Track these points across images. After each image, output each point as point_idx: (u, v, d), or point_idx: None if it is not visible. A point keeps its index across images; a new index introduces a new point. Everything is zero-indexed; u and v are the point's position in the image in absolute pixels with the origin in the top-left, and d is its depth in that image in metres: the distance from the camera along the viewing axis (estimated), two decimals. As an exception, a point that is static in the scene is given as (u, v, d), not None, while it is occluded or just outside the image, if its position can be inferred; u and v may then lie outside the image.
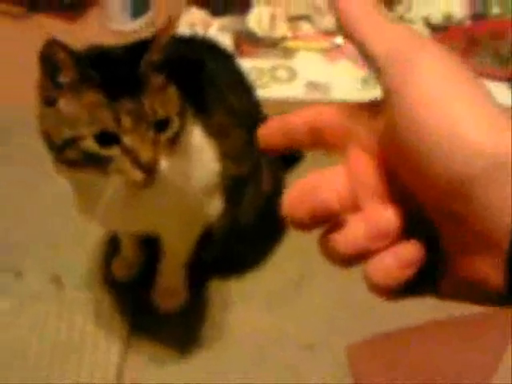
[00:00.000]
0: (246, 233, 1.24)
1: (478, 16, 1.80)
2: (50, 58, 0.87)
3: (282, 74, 1.72)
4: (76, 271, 1.31)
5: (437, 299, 0.41)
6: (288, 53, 1.76)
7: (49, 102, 0.90)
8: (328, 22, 1.82)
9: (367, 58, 0.39)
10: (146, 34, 1.76)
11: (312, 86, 1.68)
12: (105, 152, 0.88)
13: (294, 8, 1.85)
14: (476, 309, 1.21)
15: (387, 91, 0.37)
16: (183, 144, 0.95)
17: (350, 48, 1.76)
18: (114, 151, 0.88)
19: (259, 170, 1.22)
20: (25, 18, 1.88)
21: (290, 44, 1.78)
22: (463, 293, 0.39)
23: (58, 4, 1.87)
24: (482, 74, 1.66)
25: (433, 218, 0.37)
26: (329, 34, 1.80)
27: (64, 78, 0.88)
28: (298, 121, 0.43)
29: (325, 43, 1.78)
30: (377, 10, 0.40)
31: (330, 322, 1.25)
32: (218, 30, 1.83)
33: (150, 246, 1.26)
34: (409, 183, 0.37)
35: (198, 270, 1.27)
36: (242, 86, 1.24)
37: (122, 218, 1.03)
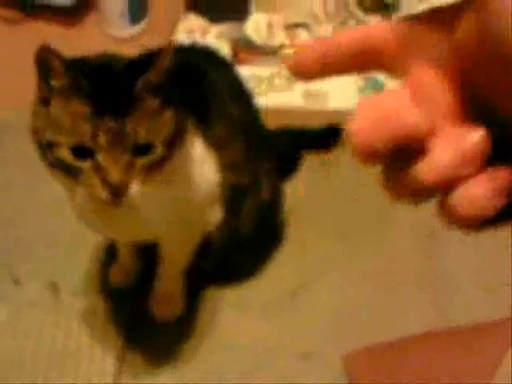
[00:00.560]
0: (244, 242, 1.24)
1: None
2: (44, 62, 0.87)
3: (279, 82, 1.72)
4: (73, 278, 1.31)
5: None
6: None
7: (44, 101, 0.91)
8: (325, 30, 1.82)
9: None
10: (143, 40, 1.79)
11: (310, 94, 1.68)
12: (77, 164, 0.88)
13: (291, 16, 1.85)
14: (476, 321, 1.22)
15: None
16: (169, 170, 0.93)
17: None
18: (85, 165, 0.87)
19: (258, 179, 1.23)
20: (23, 23, 1.88)
21: (288, 52, 1.78)
22: None
23: (56, 9, 1.86)
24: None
25: None
26: (326, 42, 1.80)
27: (55, 83, 0.88)
28: (343, 44, 0.38)
29: (322, 51, 1.78)
30: None
31: (327, 331, 1.25)
32: (216, 37, 1.83)
33: (148, 253, 1.26)
34: (498, 97, 0.33)
35: (195, 278, 1.27)
36: (241, 95, 1.24)
37: (104, 227, 1.03)
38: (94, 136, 0.86)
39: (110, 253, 1.32)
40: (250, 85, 1.65)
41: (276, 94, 1.69)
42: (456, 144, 0.34)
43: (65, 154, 0.87)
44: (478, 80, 0.34)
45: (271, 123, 1.38)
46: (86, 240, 1.33)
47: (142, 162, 0.89)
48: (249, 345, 1.23)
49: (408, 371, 1.19)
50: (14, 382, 1.16)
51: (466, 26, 0.34)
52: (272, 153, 1.32)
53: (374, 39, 0.37)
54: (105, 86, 0.88)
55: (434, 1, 1.53)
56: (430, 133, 0.35)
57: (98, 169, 0.87)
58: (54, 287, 1.29)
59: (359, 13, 1.85)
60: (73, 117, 0.87)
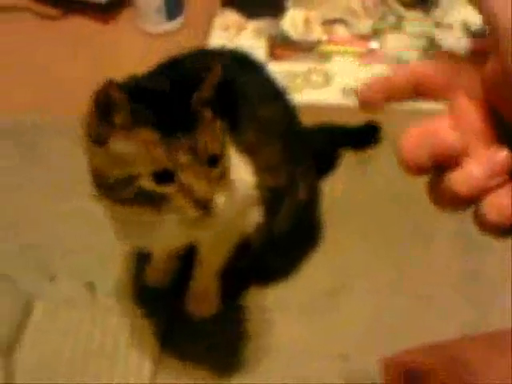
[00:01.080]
0: (280, 242, 1.23)
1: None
2: (105, 98, 0.87)
3: (316, 78, 1.70)
4: (109, 278, 1.31)
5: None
6: (323, 57, 1.75)
7: (98, 140, 0.90)
8: (363, 25, 1.80)
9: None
10: (179, 36, 1.78)
11: (347, 90, 1.66)
12: (161, 190, 0.88)
13: (328, 11, 1.83)
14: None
15: (502, 36, 0.41)
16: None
17: (386, 52, 1.74)
18: (169, 189, 0.88)
19: (295, 179, 1.21)
20: (59, 20, 1.88)
21: (325, 48, 1.76)
22: None
23: (92, 5, 1.87)
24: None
25: None
26: (364, 37, 1.78)
27: (118, 119, 0.87)
28: (402, 78, 0.48)
29: (360, 47, 1.76)
30: None
31: (364, 333, 1.23)
32: (252, 33, 1.82)
33: (185, 253, 1.26)
34: None
35: (232, 278, 1.26)
36: (274, 96, 1.23)
37: (167, 243, 1.03)
38: (173, 158, 0.86)
39: (145, 253, 1.32)
40: (286, 81, 1.63)
41: (312, 90, 1.67)
42: (486, 160, 0.42)
43: (147, 182, 0.87)
44: (503, 107, 0.43)
45: (307, 120, 1.36)
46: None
47: (216, 172, 0.90)
48: (286, 345, 1.22)
49: (445, 376, 1.17)
50: (49, 380, 1.16)
51: (491, 64, 0.43)
52: (309, 151, 1.30)
53: (425, 74, 0.47)
54: (162, 109, 0.88)
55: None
56: (464, 151, 0.43)
57: (183, 189, 0.87)
58: (90, 286, 1.29)
59: (398, 7, 1.82)
60: (144, 146, 0.87)
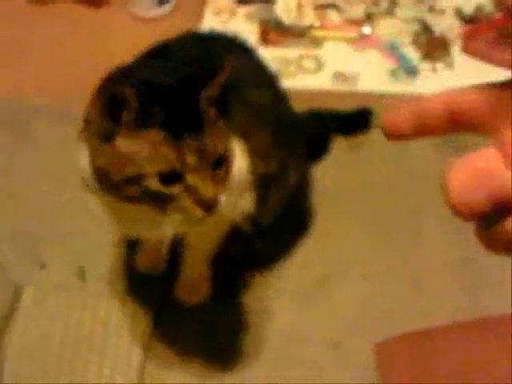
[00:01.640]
0: (272, 229, 1.22)
1: (510, 7, 1.76)
2: (113, 94, 0.85)
3: (309, 63, 1.69)
4: (100, 263, 1.30)
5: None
6: (315, 42, 1.73)
7: (104, 137, 0.88)
8: (356, 11, 1.79)
9: None
10: (170, 21, 1.77)
11: (339, 76, 1.65)
12: (167, 190, 0.87)
13: (321, -4, 1.82)
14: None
15: None
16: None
17: (378, 37, 1.73)
18: (175, 189, 0.87)
19: (286, 165, 1.20)
20: (50, 4, 1.87)
21: (318, 33, 1.75)
22: None
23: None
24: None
25: None
26: (356, 22, 1.77)
27: (126, 116, 0.86)
28: (436, 106, 0.40)
29: (353, 32, 1.75)
30: None
31: (356, 320, 1.23)
32: (244, 18, 1.80)
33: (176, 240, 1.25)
34: None
35: (223, 265, 1.25)
36: (264, 81, 1.21)
37: (160, 233, 1.02)
38: (181, 158, 0.85)
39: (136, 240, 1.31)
40: (279, 66, 1.62)
41: (304, 75, 1.66)
42: None
43: (153, 182, 0.86)
44: None
45: (299, 106, 1.35)
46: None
47: (221, 172, 0.90)
48: (278, 332, 1.22)
49: (438, 360, 1.17)
50: (39, 365, 1.16)
51: None
52: (300, 136, 1.29)
53: (465, 103, 0.39)
54: (170, 108, 0.87)
55: None
56: None
57: (190, 190, 0.87)
58: (80, 272, 1.29)
59: (391, -7, 1.81)
60: (152, 146, 0.86)
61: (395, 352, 1.19)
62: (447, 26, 1.74)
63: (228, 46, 1.21)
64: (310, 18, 1.77)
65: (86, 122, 0.90)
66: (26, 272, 1.29)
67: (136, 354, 1.17)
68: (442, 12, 1.77)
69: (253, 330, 1.22)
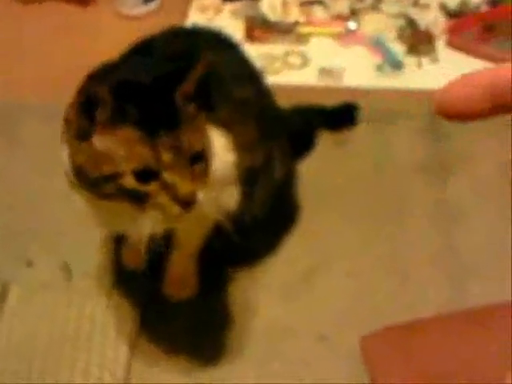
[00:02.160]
0: (257, 223, 1.22)
1: (494, 1, 1.77)
2: (88, 94, 0.86)
3: (294, 59, 1.69)
4: (85, 259, 1.30)
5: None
6: (301, 38, 1.74)
7: (81, 136, 0.88)
8: (341, 6, 1.79)
9: None
10: (156, 18, 1.76)
11: (325, 72, 1.65)
12: (144, 188, 0.87)
13: (306, -8, 1.82)
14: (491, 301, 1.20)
15: None
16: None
17: (364, 33, 1.74)
18: (152, 187, 0.87)
19: (272, 159, 1.21)
20: (37, 3, 1.87)
21: (303, 29, 1.75)
22: None
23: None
24: (499, 58, 1.63)
25: None
26: (342, 18, 1.77)
27: (101, 114, 0.86)
28: (490, 82, 0.33)
29: (338, 28, 1.75)
30: None
31: (343, 313, 1.23)
32: (230, 15, 1.80)
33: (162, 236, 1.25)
34: None
35: (210, 260, 1.25)
36: (248, 76, 1.21)
37: (144, 230, 1.02)
38: (157, 155, 0.85)
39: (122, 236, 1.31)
40: (264, 63, 1.63)
41: (290, 71, 1.67)
42: None
43: (129, 180, 0.86)
44: None
45: (285, 101, 1.35)
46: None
47: (199, 169, 0.90)
48: (265, 326, 1.22)
49: (425, 352, 1.18)
50: (25, 364, 1.16)
51: None
52: (286, 132, 1.29)
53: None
54: (145, 106, 0.87)
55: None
56: None
57: (165, 187, 0.87)
58: (66, 268, 1.28)
59: (375, -12, 1.81)
60: (127, 144, 0.86)
61: (382, 344, 1.20)
62: (432, 20, 1.74)
63: (212, 41, 1.21)
64: (295, 14, 1.77)
65: (66, 121, 0.91)
66: (13, 270, 1.29)
67: (123, 350, 1.17)
68: (427, 7, 1.78)
69: (239, 324, 1.22)
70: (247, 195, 1.15)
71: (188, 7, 1.81)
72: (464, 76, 0.34)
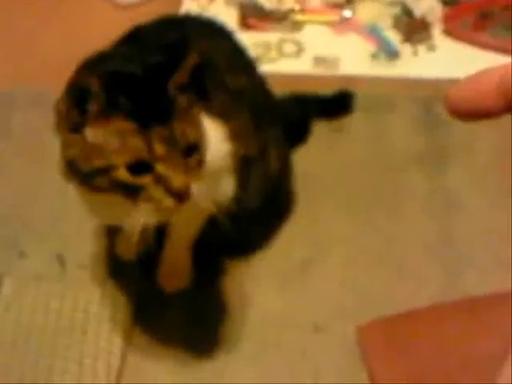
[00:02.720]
0: (252, 213, 1.22)
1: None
2: (79, 85, 0.85)
3: (289, 48, 1.68)
4: (80, 250, 1.29)
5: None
6: (295, 26, 1.72)
7: (73, 128, 0.87)
8: (336, -6, 1.78)
9: None
10: (149, 7, 1.75)
11: (320, 60, 1.64)
12: (136, 181, 0.86)
13: (301, -20, 1.81)
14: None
15: None
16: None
17: (359, 21, 1.72)
18: (145, 179, 0.86)
19: (266, 148, 1.20)
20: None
21: (298, 17, 1.74)
22: None
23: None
24: (495, 46, 1.62)
25: None
26: (337, 6, 1.75)
27: (92, 106, 0.85)
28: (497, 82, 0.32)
29: (333, 16, 1.74)
30: None
31: (339, 303, 1.23)
32: (224, 3, 1.79)
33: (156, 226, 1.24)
34: None
35: (205, 251, 1.25)
36: (242, 65, 1.20)
37: (137, 222, 1.01)
38: (150, 148, 0.84)
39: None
40: (259, 51, 1.61)
41: (285, 59, 1.65)
42: None
43: (122, 173, 0.85)
44: None
45: (280, 90, 1.34)
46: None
47: (193, 161, 0.88)
48: (261, 317, 1.21)
49: (420, 342, 1.17)
50: (19, 356, 1.15)
51: None
52: (281, 120, 1.28)
53: None
54: (137, 97, 0.86)
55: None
56: None
57: (159, 180, 0.86)
58: (60, 259, 1.28)
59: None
60: (119, 136, 0.85)
61: (378, 335, 1.19)
62: (428, 8, 1.73)
63: (205, 29, 1.20)
64: (290, 1, 1.76)
65: (57, 113, 0.90)
66: (6, 261, 1.28)
67: (117, 342, 1.16)
68: (423, -6, 1.76)
69: (234, 315, 1.21)
70: (242, 185, 1.14)
71: (182, -5, 1.80)
72: (475, 74, 0.32)
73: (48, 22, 1.76)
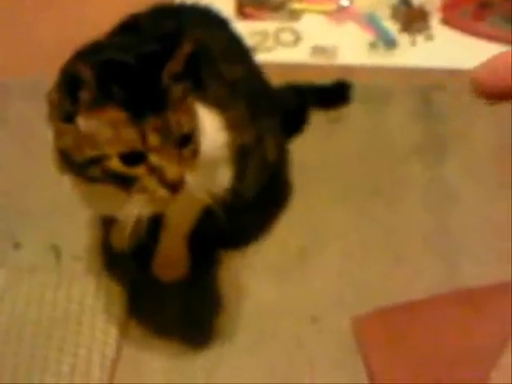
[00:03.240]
0: (249, 204, 1.21)
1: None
2: (72, 74, 0.84)
3: (286, 37, 1.67)
4: (74, 240, 1.28)
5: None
6: (293, 15, 1.71)
7: (65, 117, 0.86)
8: (334, -17, 1.76)
9: None
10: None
11: (317, 49, 1.63)
12: (130, 171, 0.85)
13: (299, -32, 1.79)
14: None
15: None
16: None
17: (357, 10, 1.71)
18: (139, 170, 0.85)
19: (263, 138, 1.19)
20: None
21: (295, 6, 1.72)
22: None
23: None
24: (494, 36, 1.61)
25: None
26: (335, -5, 1.74)
27: (84, 95, 0.84)
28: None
29: (331, 5, 1.73)
30: None
31: (335, 294, 1.22)
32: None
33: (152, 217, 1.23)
34: None
35: (201, 242, 1.24)
36: (239, 54, 1.20)
37: (132, 213, 1.01)
38: (143, 138, 0.83)
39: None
40: (256, 40, 1.60)
41: (282, 49, 1.64)
42: None
43: (115, 163, 0.84)
44: None
45: (277, 79, 1.33)
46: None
47: (187, 152, 0.88)
48: (257, 308, 1.21)
49: (418, 333, 1.17)
50: (13, 348, 1.14)
51: None
52: (278, 110, 1.27)
53: None
54: (131, 86, 0.85)
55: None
56: None
57: (153, 170, 0.85)
58: (55, 250, 1.27)
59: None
60: (112, 126, 0.84)
61: (374, 326, 1.19)
62: (426, -4, 1.72)
63: (202, 18, 1.19)
64: (287, -10, 1.74)
65: (50, 102, 0.89)
66: (0, 252, 1.27)
67: (112, 333, 1.16)
68: (422, -16, 1.75)
69: (230, 306, 1.21)
70: (238, 176, 1.14)
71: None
72: (502, 52, 0.31)
73: (43, 11, 1.75)
